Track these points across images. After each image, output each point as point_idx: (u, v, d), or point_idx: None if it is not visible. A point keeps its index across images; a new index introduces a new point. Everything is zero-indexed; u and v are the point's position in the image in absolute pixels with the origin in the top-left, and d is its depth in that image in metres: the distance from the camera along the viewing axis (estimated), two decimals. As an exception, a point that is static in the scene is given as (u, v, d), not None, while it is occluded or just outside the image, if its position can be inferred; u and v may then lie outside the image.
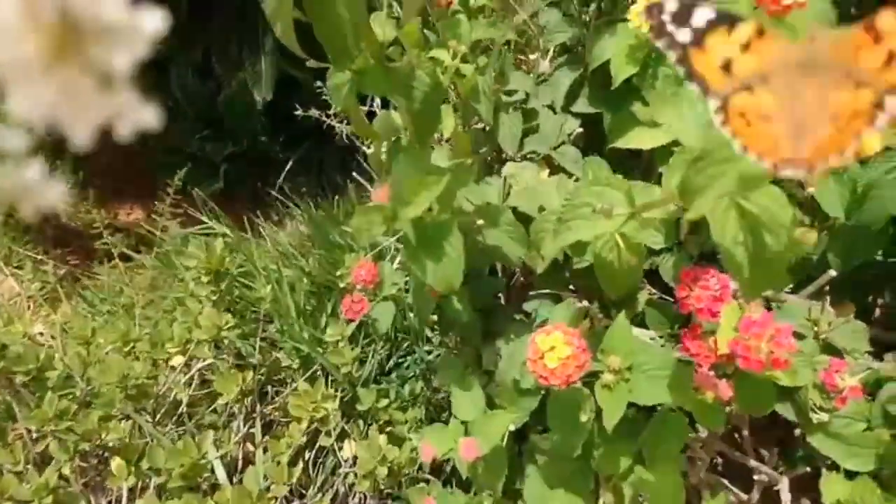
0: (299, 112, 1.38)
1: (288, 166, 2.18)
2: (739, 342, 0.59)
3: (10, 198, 0.18)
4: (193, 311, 1.29)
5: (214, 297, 1.30)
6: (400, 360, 1.43)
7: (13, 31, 0.15)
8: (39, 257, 2.45)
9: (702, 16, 0.39)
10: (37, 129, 0.17)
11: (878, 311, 0.99)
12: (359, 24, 0.57)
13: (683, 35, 0.39)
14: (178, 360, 1.36)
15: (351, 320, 1.11)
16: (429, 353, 1.38)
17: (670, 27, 0.38)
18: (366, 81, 0.70)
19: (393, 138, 0.82)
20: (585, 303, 1.03)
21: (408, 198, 0.62)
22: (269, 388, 1.46)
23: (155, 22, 0.16)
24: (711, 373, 0.65)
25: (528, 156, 1.06)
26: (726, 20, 0.39)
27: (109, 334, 1.43)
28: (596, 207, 0.51)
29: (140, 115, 0.17)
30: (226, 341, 1.29)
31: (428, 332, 1.38)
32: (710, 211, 0.42)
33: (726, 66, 0.38)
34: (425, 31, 1.03)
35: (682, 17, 0.38)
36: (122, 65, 0.16)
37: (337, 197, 1.87)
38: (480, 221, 0.77)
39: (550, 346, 0.56)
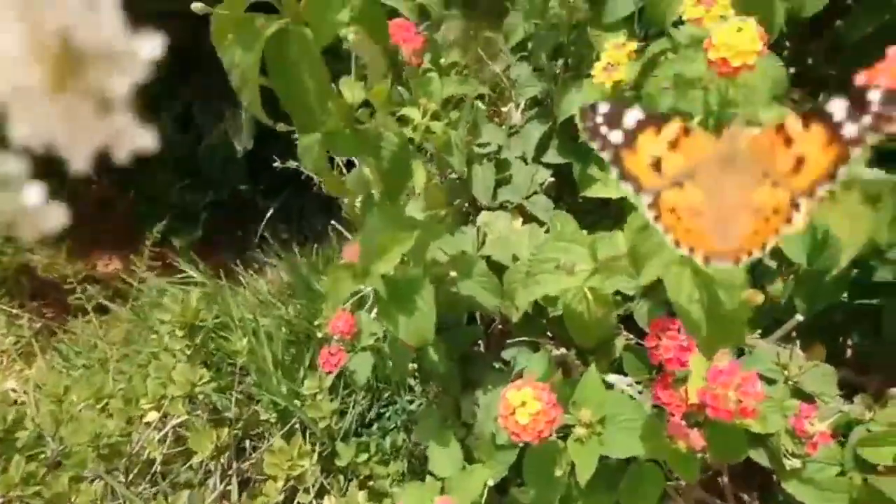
0: (277, 164, 1.40)
1: (269, 214, 2.19)
2: (707, 392, 0.60)
3: (9, 221, 0.18)
4: (167, 365, 1.27)
5: (189, 351, 1.28)
6: (382, 411, 1.41)
7: (18, 60, 0.15)
8: (14, 311, 2.40)
9: (632, 117, 0.40)
10: (33, 159, 0.17)
11: (849, 352, 1.00)
12: (323, 91, 0.59)
13: (616, 136, 0.40)
14: (152, 417, 1.33)
15: (329, 372, 1.10)
16: (410, 402, 1.37)
17: (603, 129, 0.40)
18: (335, 143, 0.72)
19: (365, 193, 0.83)
20: (563, 350, 1.04)
21: (378, 254, 0.62)
22: (248, 442, 1.43)
23: (153, 47, 0.17)
24: (683, 422, 0.65)
25: (502, 205, 1.08)
26: (655, 120, 0.40)
27: (83, 390, 1.40)
28: (559, 264, 0.53)
29: (138, 139, 0.18)
30: (201, 396, 1.27)
31: (411, 381, 1.36)
32: (665, 269, 0.44)
33: (656, 165, 0.40)
34: (399, 87, 1.06)
35: (614, 119, 0.40)
36: (121, 89, 0.17)
37: (317, 244, 1.87)
38: (453, 273, 0.77)
39: (521, 401, 0.56)
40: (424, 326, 0.65)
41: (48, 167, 0.19)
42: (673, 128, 0.39)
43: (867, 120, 0.32)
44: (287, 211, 2.32)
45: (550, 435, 0.57)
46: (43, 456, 1.26)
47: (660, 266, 0.40)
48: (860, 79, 0.36)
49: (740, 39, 0.56)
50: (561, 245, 0.56)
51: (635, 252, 0.40)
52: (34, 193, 0.17)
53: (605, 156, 0.40)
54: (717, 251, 0.39)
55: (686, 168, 0.39)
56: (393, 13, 0.97)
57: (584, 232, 0.59)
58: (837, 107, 0.34)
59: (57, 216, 0.18)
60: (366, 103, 0.79)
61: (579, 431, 0.59)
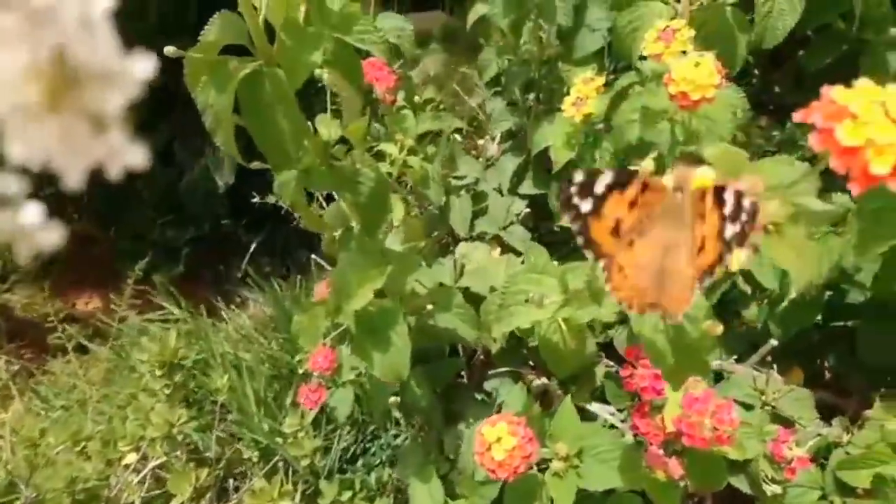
0: (256, 199, 1.40)
1: (251, 248, 2.18)
2: (683, 419, 0.60)
3: (7, 240, 0.18)
4: (146, 406, 1.25)
5: (168, 391, 1.26)
6: (367, 446, 1.39)
7: (15, 79, 0.16)
8: (-8, 353, 2.35)
9: (602, 181, 0.41)
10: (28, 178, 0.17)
11: (828, 375, 1.01)
12: (298, 131, 0.60)
13: (586, 205, 0.41)
14: (131, 459, 1.31)
15: (310, 409, 1.09)
16: (396, 436, 1.35)
17: (576, 199, 0.41)
18: (312, 179, 0.72)
19: (343, 228, 0.84)
20: (544, 380, 1.04)
21: (351, 291, 0.63)
22: (231, 482, 1.40)
23: (146, 67, 0.17)
24: (661, 451, 0.65)
25: (480, 236, 1.09)
26: (623, 180, 0.41)
27: (61, 433, 1.37)
28: (528, 296, 0.53)
29: (130, 157, 0.18)
30: (180, 437, 1.25)
31: (397, 414, 1.35)
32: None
33: (616, 228, 0.41)
34: (377, 124, 1.08)
35: (586, 189, 0.41)
36: (115, 108, 0.17)
37: (300, 277, 1.86)
38: (430, 306, 0.78)
39: (497, 437, 0.56)
40: (399, 362, 0.65)
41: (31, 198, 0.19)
42: (635, 186, 0.40)
43: (738, 227, 0.34)
44: (270, 245, 2.32)
45: (527, 471, 0.56)
46: (18, 503, 1.23)
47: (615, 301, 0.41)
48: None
49: (698, 73, 0.58)
50: (532, 277, 0.56)
51: (592, 287, 0.41)
52: (32, 212, 0.18)
53: (574, 226, 0.41)
54: (652, 304, 0.41)
55: (637, 224, 0.40)
56: (368, 52, 0.99)
57: (556, 263, 0.60)
58: (728, 199, 0.35)
59: (54, 235, 0.18)
60: (342, 140, 0.80)
61: (556, 465, 0.59)
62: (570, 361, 0.65)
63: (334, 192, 0.76)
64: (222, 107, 0.59)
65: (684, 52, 0.63)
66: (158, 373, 1.27)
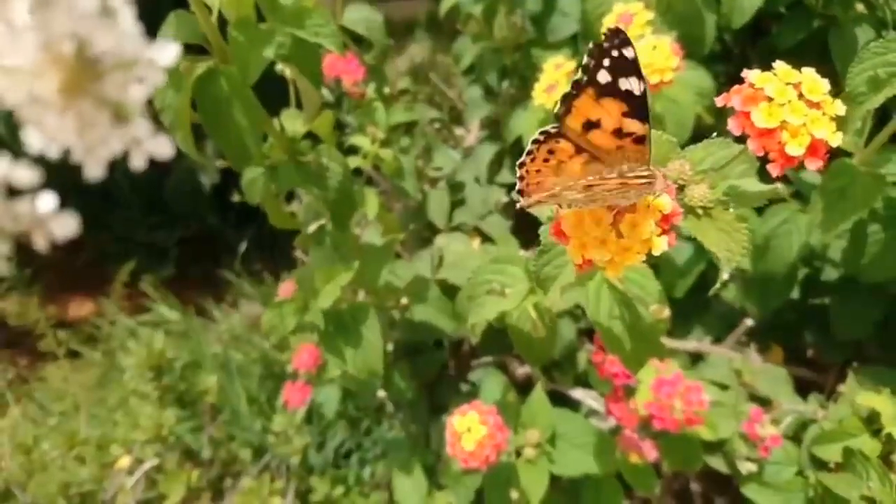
0: (237, 199, 1.39)
1: (241, 247, 2.18)
2: (653, 403, 0.60)
3: (23, 229, 0.18)
4: (135, 409, 1.25)
5: (158, 393, 1.27)
6: (361, 442, 1.39)
7: (33, 69, 0.16)
8: (-14, 362, 2.36)
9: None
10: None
11: (810, 352, 1.01)
12: (256, 127, 0.59)
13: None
14: (124, 462, 1.31)
15: (297, 408, 1.09)
16: (389, 430, 1.35)
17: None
18: (278, 176, 0.72)
19: (316, 224, 0.84)
20: (528, 368, 1.04)
21: (318, 287, 0.62)
22: (229, 481, 1.40)
23: (169, 54, 0.17)
24: (635, 435, 0.65)
25: (459, 227, 1.08)
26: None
27: (56, 438, 1.38)
28: (490, 287, 0.53)
29: (154, 146, 0.18)
30: (171, 438, 1.25)
31: (390, 409, 1.35)
32: (583, 289, 0.44)
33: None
34: (348, 116, 1.07)
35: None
36: (138, 97, 0.17)
37: (291, 275, 1.86)
38: (405, 300, 0.77)
39: (467, 427, 0.56)
40: (372, 357, 0.65)
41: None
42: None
43: None
44: (259, 243, 2.31)
45: (498, 459, 0.56)
46: (13, 510, 1.24)
47: (556, 291, 0.41)
48: None
49: (656, 57, 0.58)
50: (497, 267, 0.56)
51: (540, 275, 0.41)
52: (47, 201, 0.18)
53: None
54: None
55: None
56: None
57: (523, 252, 0.60)
58: None
59: (69, 224, 0.18)
60: (308, 135, 0.80)
61: (528, 452, 0.59)
62: (543, 349, 0.65)
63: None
64: (180, 106, 0.59)
65: (641, 36, 0.62)
66: (147, 376, 1.27)
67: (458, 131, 1.20)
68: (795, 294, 0.87)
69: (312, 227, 0.89)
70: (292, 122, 0.75)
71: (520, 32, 1.12)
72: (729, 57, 1.22)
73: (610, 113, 0.35)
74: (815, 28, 0.97)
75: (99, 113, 0.17)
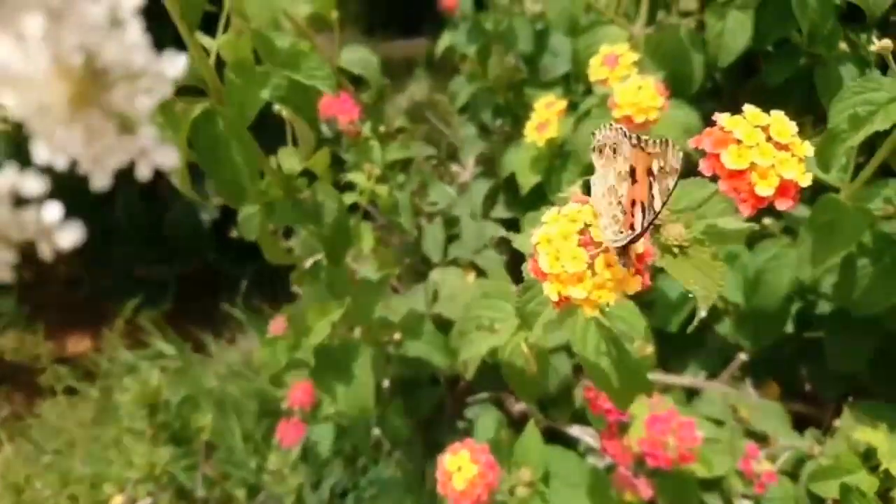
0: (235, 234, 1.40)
1: (242, 281, 2.18)
2: (646, 440, 0.60)
3: (29, 238, 0.18)
4: (129, 447, 1.24)
5: (152, 430, 1.25)
6: (357, 481, 1.37)
7: (41, 79, 0.16)
8: (-19, 399, 2.34)
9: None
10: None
11: (808, 387, 1.00)
12: (252, 165, 0.60)
13: None
14: (118, 501, 1.29)
15: (291, 446, 1.07)
16: (386, 468, 1.33)
17: None
18: (275, 213, 0.73)
19: (312, 260, 0.84)
20: (524, 404, 1.03)
21: (310, 324, 0.63)
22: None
23: (177, 66, 0.17)
24: (629, 473, 0.65)
25: (455, 261, 1.09)
26: None
27: (49, 476, 1.36)
28: (478, 323, 0.53)
29: (160, 156, 0.18)
30: (164, 477, 1.23)
31: (388, 447, 1.34)
32: (570, 325, 0.45)
33: None
34: (347, 154, 1.09)
35: None
36: (145, 108, 0.17)
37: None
38: (397, 336, 0.78)
39: (458, 466, 0.56)
40: (363, 395, 0.65)
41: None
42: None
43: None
44: (259, 278, 2.32)
45: (490, 498, 0.56)
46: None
47: (540, 328, 0.41)
48: None
49: (641, 97, 0.59)
50: (487, 302, 0.57)
51: (523, 313, 0.41)
52: (53, 211, 0.17)
53: None
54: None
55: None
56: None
57: (514, 287, 0.60)
58: None
59: (74, 233, 0.18)
60: (305, 172, 0.81)
61: (521, 491, 0.58)
62: (535, 385, 0.65)
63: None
64: (177, 146, 0.60)
65: (627, 77, 0.64)
66: (141, 413, 1.26)
67: (454, 168, 1.22)
68: (790, 328, 0.87)
69: (308, 263, 0.90)
70: (289, 159, 0.77)
71: (513, 72, 1.15)
72: (719, 95, 1.24)
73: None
74: (801, 66, 0.99)
75: (106, 124, 0.17)
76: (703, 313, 0.33)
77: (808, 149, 0.31)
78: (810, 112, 1.01)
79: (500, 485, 0.58)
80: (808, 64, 0.99)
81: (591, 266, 0.33)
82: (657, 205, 0.33)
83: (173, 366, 1.81)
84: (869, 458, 0.68)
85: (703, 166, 0.30)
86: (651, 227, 0.33)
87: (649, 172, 0.33)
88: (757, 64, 1.18)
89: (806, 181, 0.31)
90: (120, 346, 2.13)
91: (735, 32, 0.85)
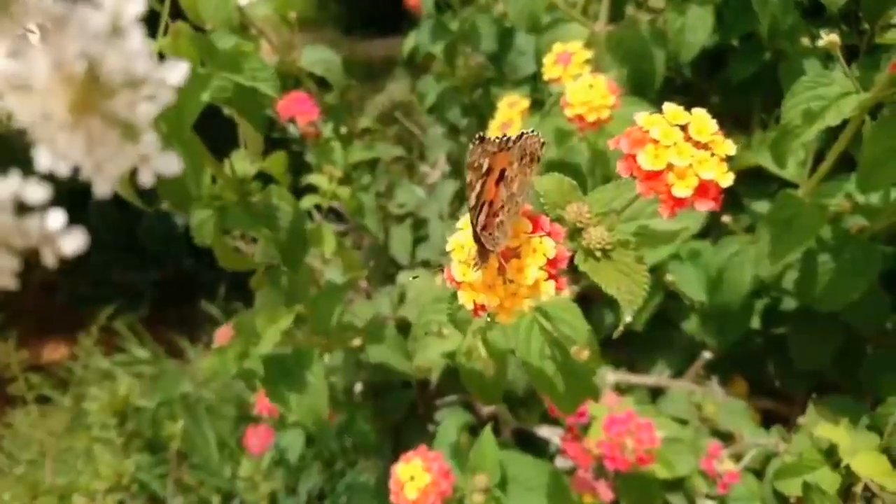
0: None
1: (220, 285, 2.16)
2: (605, 442, 0.59)
3: (32, 245, 0.18)
4: (98, 456, 1.21)
5: (122, 439, 1.23)
6: (334, 485, 1.36)
7: (42, 88, 0.16)
8: (-47, 409, 2.29)
9: None
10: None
11: (777, 383, 1.00)
12: (197, 168, 0.59)
13: None
14: (87, 512, 1.27)
15: (259, 453, 1.06)
16: (362, 472, 1.32)
17: None
18: (228, 218, 0.71)
19: (267, 265, 0.82)
20: (493, 406, 1.02)
21: (260, 331, 0.61)
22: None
23: (179, 74, 0.17)
24: (590, 475, 0.64)
25: (424, 263, 1.08)
26: None
27: (19, 488, 1.34)
28: (428, 329, 0.52)
29: (161, 163, 0.18)
30: (134, 486, 1.21)
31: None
32: (514, 329, 0.43)
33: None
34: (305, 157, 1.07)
35: None
36: (147, 115, 0.17)
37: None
38: (357, 341, 0.76)
39: (410, 475, 0.54)
40: (318, 403, 0.63)
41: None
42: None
43: None
44: (235, 282, 2.29)
45: (444, 505, 0.54)
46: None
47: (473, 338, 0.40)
48: None
49: (593, 95, 0.58)
50: (438, 307, 0.55)
51: (454, 318, 0.40)
52: (56, 218, 0.18)
53: None
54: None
55: None
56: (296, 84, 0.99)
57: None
58: None
59: (77, 241, 0.18)
60: (262, 175, 0.80)
61: (476, 498, 0.57)
62: (492, 388, 0.64)
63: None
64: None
65: (579, 76, 0.63)
66: (111, 422, 1.24)
67: (423, 168, 1.21)
68: (757, 325, 0.86)
69: (263, 268, 0.88)
70: (242, 162, 0.75)
71: (480, 71, 1.13)
72: (688, 89, 1.24)
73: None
74: (766, 61, 0.99)
75: (108, 131, 0.17)
76: (628, 318, 0.32)
77: (730, 147, 0.30)
78: (777, 106, 1.01)
79: (457, 492, 0.57)
80: (774, 59, 0.99)
81: (502, 273, 0.32)
82: (520, 199, 0.33)
83: (149, 372, 1.78)
84: (832, 454, 0.67)
85: (620, 167, 0.29)
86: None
87: (502, 171, 0.32)
88: (724, 58, 1.18)
89: (727, 181, 0.30)
90: (96, 352, 2.09)
91: (695, 28, 0.84)
